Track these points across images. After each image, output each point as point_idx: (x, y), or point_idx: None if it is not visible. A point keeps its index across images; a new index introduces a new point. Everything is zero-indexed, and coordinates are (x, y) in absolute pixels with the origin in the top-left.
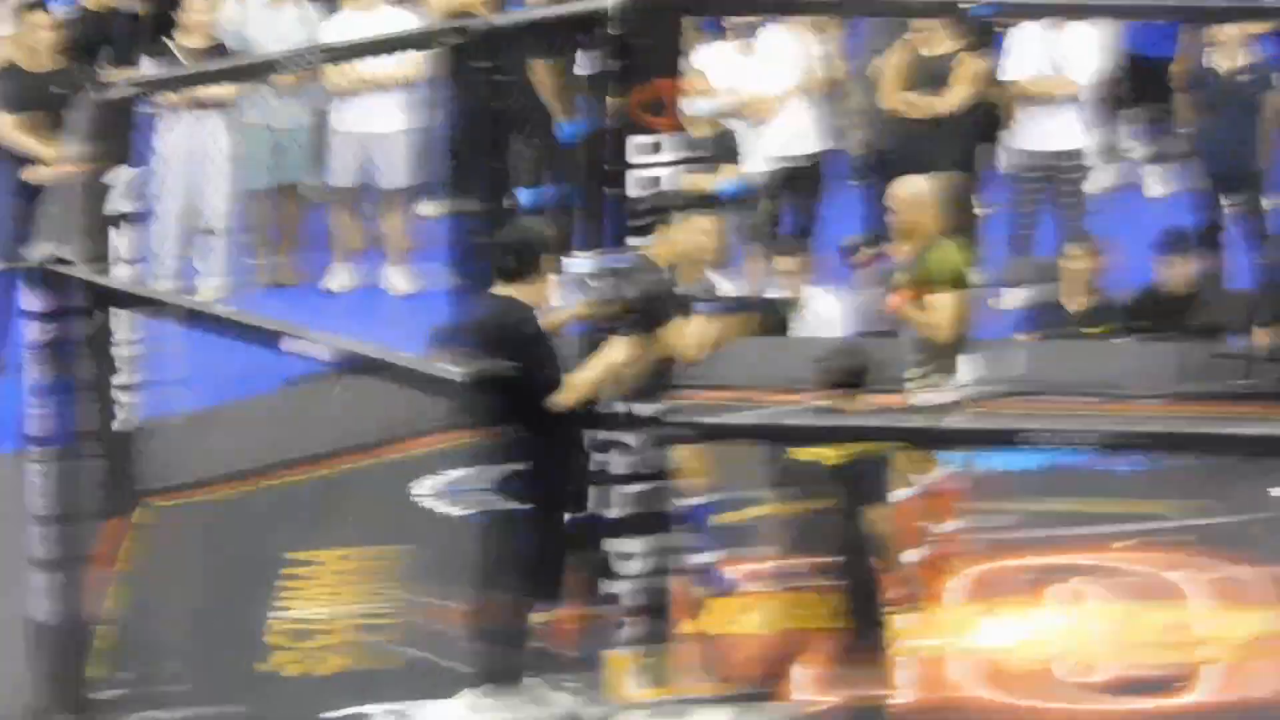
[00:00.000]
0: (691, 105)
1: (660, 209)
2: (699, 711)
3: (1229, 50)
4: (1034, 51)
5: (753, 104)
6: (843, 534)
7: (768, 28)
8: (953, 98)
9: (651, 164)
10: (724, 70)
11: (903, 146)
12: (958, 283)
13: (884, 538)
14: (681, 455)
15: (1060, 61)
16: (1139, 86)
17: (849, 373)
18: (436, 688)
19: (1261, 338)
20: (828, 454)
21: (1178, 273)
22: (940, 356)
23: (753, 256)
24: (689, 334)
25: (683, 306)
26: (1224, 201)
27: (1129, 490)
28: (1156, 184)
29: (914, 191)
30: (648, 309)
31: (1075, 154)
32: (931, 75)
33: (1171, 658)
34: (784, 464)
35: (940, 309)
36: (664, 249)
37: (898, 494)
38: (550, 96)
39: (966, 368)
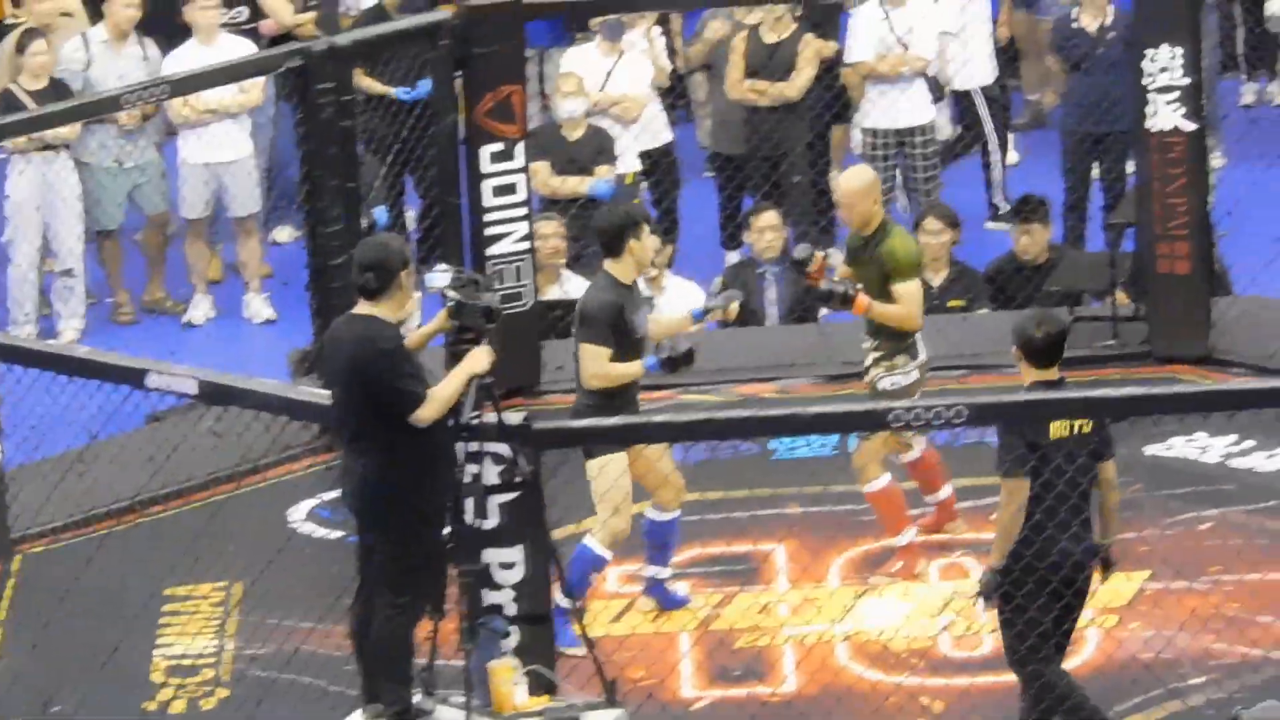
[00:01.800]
0: (563, 108)
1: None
2: (587, 716)
3: (1094, 9)
4: (877, 30)
5: (623, 103)
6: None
7: (629, 28)
8: (799, 81)
9: (503, 170)
10: (591, 72)
11: (753, 134)
12: (918, 268)
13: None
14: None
15: (904, 38)
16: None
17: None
18: (324, 714)
19: (1123, 299)
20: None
21: (1035, 240)
22: (903, 338)
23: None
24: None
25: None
26: (1089, 164)
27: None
28: (1010, 152)
29: (861, 182)
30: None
31: (925, 129)
32: (775, 61)
33: None
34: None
35: (910, 298)
36: (628, 263)
37: (876, 483)
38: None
39: (924, 346)
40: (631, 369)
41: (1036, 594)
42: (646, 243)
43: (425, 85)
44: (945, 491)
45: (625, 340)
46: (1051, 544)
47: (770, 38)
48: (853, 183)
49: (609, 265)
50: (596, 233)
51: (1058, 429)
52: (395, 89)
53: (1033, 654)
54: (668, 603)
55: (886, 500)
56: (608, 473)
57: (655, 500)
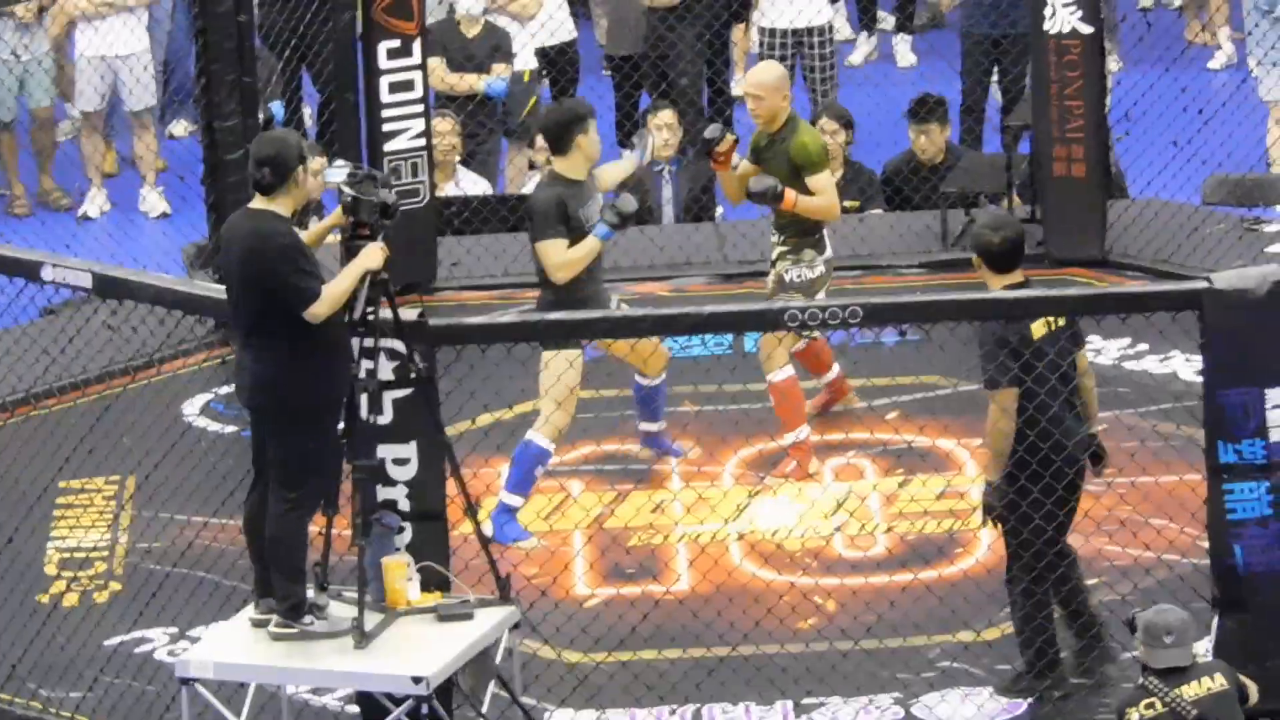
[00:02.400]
0: (460, 4)
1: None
2: (480, 613)
3: None
4: None
5: (520, 1)
6: None
7: None
8: None
9: (400, 67)
10: None
11: (650, 33)
12: (828, 159)
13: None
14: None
15: None
16: None
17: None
18: (217, 607)
19: (1017, 201)
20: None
21: (932, 140)
22: (811, 233)
23: (516, 150)
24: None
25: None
26: (987, 66)
27: (897, 363)
28: (907, 54)
29: (773, 75)
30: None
31: (823, 29)
32: None
33: (948, 526)
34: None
35: (829, 188)
36: (577, 159)
37: (780, 373)
38: None
39: (830, 243)
40: (588, 245)
41: (1051, 489)
42: (594, 136)
43: None
44: (834, 371)
45: (577, 234)
46: (1058, 431)
47: None
48: (764, 76)
49: (556, 163)
50: (542, 130)
51: (1038, 329)
52: None
53: (1031, 569)
54: (667, 452)
55: (788, 393)
56: (553, 368)
57: (646, 370)
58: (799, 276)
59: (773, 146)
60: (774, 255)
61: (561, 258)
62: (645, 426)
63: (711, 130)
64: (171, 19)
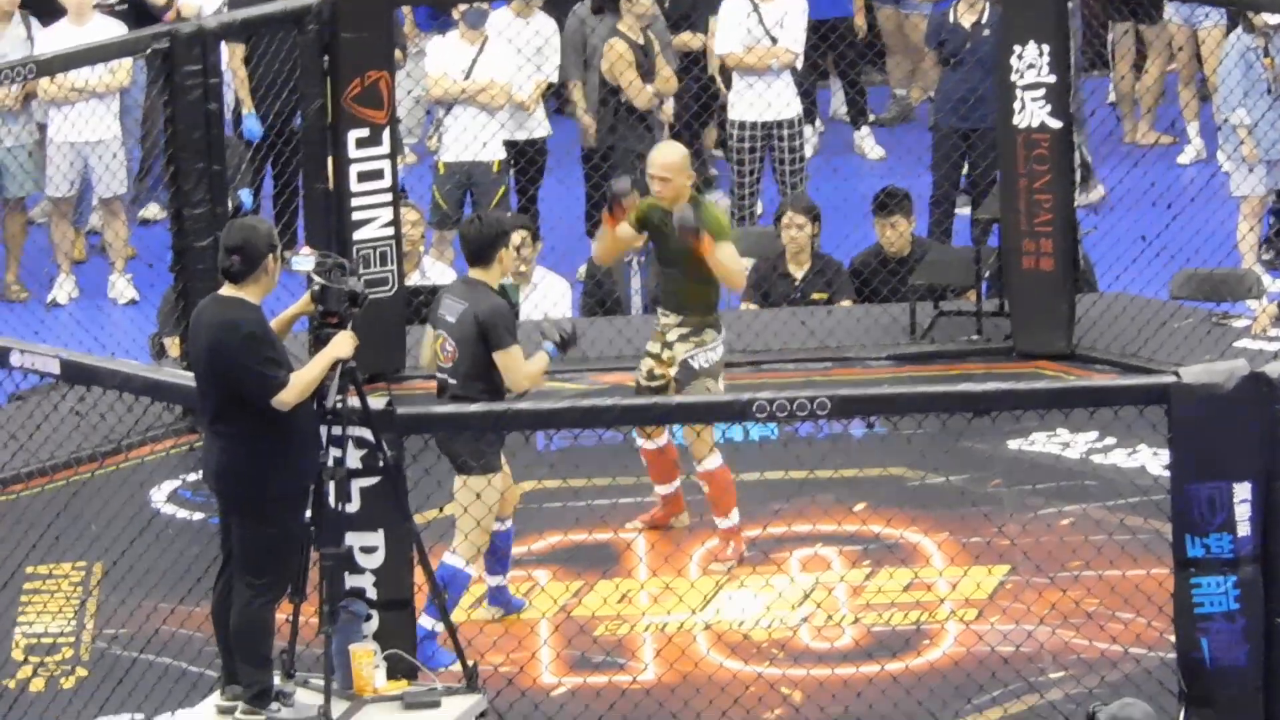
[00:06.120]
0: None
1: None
2: (447, 700)
3: (971, 4)
4: (745, 23)
5: (489, 90)
6: None
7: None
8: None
9: (369, 156)
10: (456, 60)
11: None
12: (726, 235)
13: None
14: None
15: (771, 31)
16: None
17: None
18: (183, 694)
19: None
20: None
21: (898, 232)
22: (709, 312)
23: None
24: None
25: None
26: (958, 159)
27: (864, 455)
28: (873, 147)
29: (679, 156)
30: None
31: (792, 122)
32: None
33: (914, 618)
34: None
35: (731, 258)
36: (496, 272)
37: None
38: (240, 88)
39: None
40: (543, 361)
41: None
42: (512, 249)
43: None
44: (675, 485)
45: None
46: None
47: (638, 39)
48: (670, 157)
49: (477, 273)
50: (463, 242)
51: None
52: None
53: None
54: (511, 608)
55: (721, 480)
56: (472, 485)
57: (501, 509)
58: (706, 361)
59: (667, 218)
60: (670, 337)
61: (531, 369)
62: (492, 580)
63: (621, 183)
64: (143, 108)
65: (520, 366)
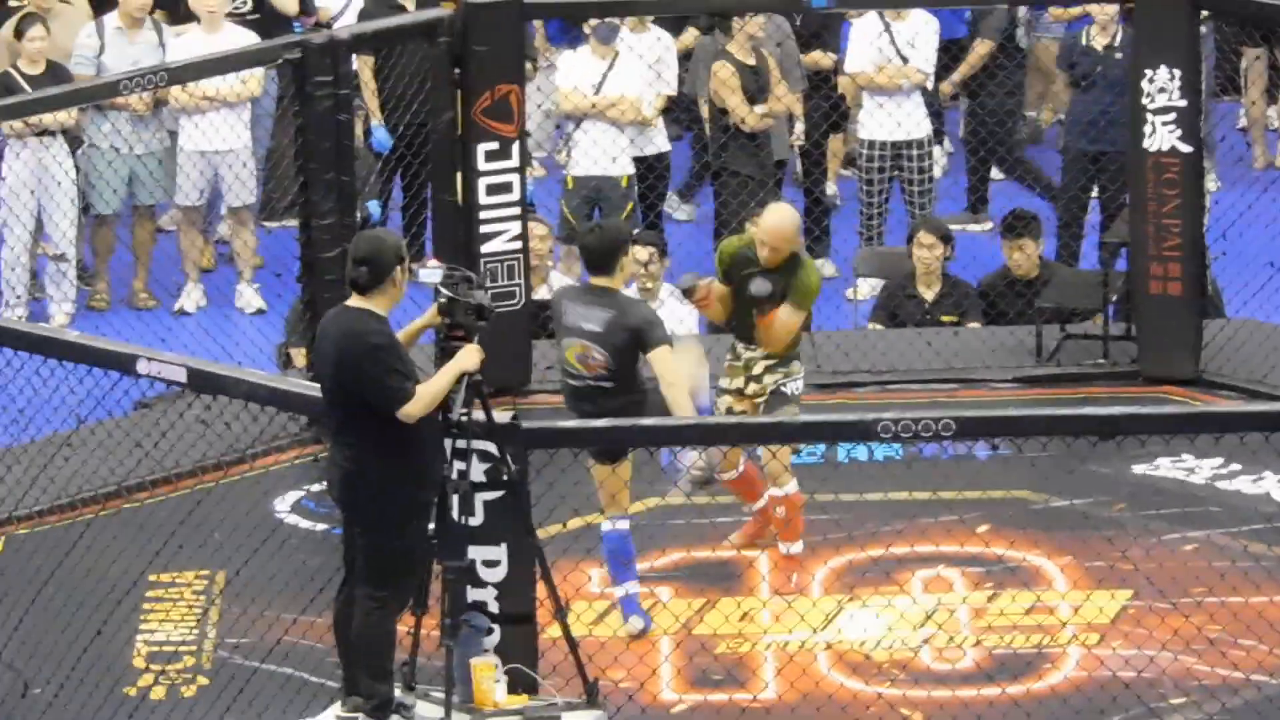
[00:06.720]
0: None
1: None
2: (567, 715)
3: (1104, 27)
4: (876, 42)
5: (619, 105)
6: None
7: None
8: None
9: (498, 169)
10: (587, 74)
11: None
12: (808, 302)
13: None
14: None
15: (903, 50)
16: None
17: None
18: (304, 704)
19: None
20: None
21: (1026, 255)
22: (793, 345)
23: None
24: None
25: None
26: (1086, 182)
27: (988, 477)
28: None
29: (788, 226)
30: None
31: (922, 142)
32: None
33: (1036, 641)
34: None
35: (785, 326)
36: (618, 280)
37: (793, 484)
38: (370, 100)
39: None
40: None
41: None
42: (634, 255)
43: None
44: (764, 499)
45: None
46: None
47: (749, 59)
48: (785, 227)
49: (602, 280)
50: (583, 251)
51: None
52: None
53: None
54: (644, 624)
55: (794, 505)
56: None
57: (610, 507)
58: (796, 389)
59: (756, 265)
60: (756, 370)
61: (681, 366)
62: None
63: (685, 280)
64: (274, 118)
65: (673, 364)
